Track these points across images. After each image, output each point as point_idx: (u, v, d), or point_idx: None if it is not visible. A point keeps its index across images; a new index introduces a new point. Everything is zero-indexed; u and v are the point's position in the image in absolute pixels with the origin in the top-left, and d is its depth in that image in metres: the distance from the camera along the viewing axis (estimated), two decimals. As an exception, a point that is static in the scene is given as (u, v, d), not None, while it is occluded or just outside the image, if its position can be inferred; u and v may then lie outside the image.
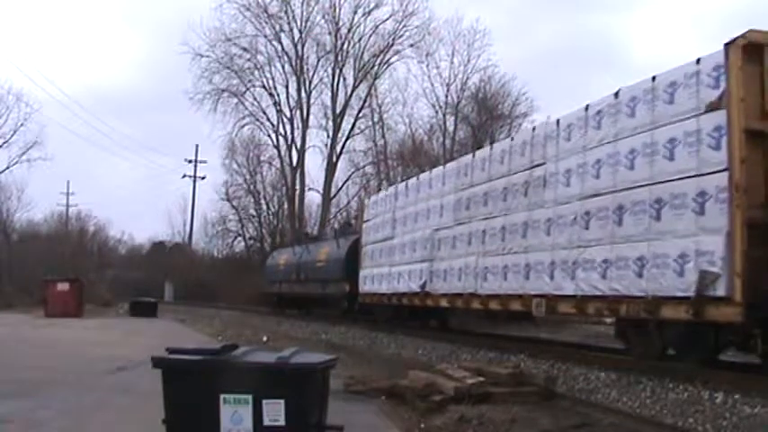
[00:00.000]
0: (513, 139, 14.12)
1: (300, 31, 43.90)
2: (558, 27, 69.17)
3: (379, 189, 42.88)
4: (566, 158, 11.57)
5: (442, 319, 19.06)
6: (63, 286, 31.71)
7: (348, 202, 46.43)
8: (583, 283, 10.69)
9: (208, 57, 44.13)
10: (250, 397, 4.62)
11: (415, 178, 19.05)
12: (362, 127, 44.35)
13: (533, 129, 13.20)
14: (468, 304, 14.63)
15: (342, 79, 44.12)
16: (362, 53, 43.43)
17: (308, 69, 44.65)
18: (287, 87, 45.18)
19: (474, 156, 15.29)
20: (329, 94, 44.54)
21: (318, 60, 44.67)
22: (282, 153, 46.26)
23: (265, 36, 44.13)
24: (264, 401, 4.61)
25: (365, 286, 20.43)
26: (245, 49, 44.21)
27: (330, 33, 43.89)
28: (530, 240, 12.28)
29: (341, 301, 23.24)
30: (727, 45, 8.59)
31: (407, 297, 17.48)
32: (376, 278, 19.58)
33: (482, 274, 13.78)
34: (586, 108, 11.18)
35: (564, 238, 11.32)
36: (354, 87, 43.86)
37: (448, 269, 15.30)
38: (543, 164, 12.19)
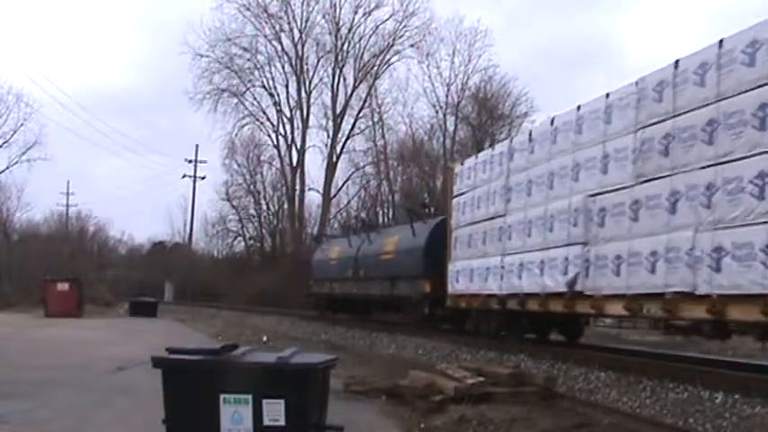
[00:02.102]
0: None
1: (300, 31, 44.01)
2: (558, 27, 69.18)
3: (380, 186, 43.26)
4: None
5: (572, 332, 14.64)
6: (63, 286, 31.70)
7: (348, 202, 46.49)
8: None
9: (208, 57, 44.31)
10: (250, 397, 4.61)
11: (546, 121, 13.33)
12: (362, 127, 44.48)
13: None
14: (677, 312, 9.46)
15: (342, 79, 44.25)
16: (363, 53, 43.56)
17: (308, 69, 44.77)
18: (287, 87, 45.32)
19: (677, 65, 9.66)
20: (329, 94, 44.66)
21: (318, 60, 44.79)
22: (282, 153, 46.35)
23: (265, 36, 44.28)
24: (264, 401, 4.60)
25: (457, 285, 15.69)
26: (245, 49, 44.36)
27: (330, 33, 44.02)
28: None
29: (418, 304, 18.27)
30: None
31: (538, 300, 12.53)
32: (476, 273, 14.74)
33: (710, 259, 8.66)
34: None
35: None
36: (354, 87, 43.97)
37: (625, 255, 10.11)
38: None
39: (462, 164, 17.07)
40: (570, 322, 14.04)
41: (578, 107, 11.93)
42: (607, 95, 11.19)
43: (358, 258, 22.23)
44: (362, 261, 21.87)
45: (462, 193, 16.10)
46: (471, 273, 14.99)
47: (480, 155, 16.47)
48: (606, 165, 10.99)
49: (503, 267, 13.67)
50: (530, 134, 13.81)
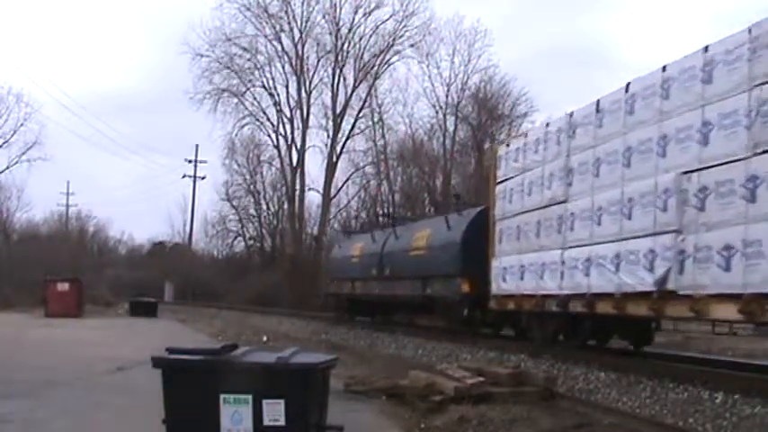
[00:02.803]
0: None
1: (301, 31, 43.95)
2: (557, 27, 69.18)
3: (380, 186, 43.21)
4: None
5: (640, 339, 12.52)
6: (63, 286, 31.71)
7: (348, 202, 46.48)
8: None
9: (208, 57, 44.21)
10: (250, 397, 4.62)
11: (619, 89, 10.77)
12: (362, 127, 44.38)
13: None
14: None
15: (342, 79, 44.17)
16: (363, 53, 43.47)
17: (308, 69, 44.70)
18: (287, 87, 45.25)
19: None
20: (329, 94, 44.59)
21: (318, 60, 44.72)
22: (282, 153, 46.30)
23: (265, 36, 44.20)
24: (264, 401, 4.60)
25: (504, 284, 13.61)
26: (245, 49, 44.28)
27: (330, 33, 43.94)
28: None
29: (456, 306, 16.11)
30: None
31: (611, 302, 10.45)
32: (528, 270, 12.72)
33: None
34: None
35: None
36: (354, 87, 43.90)
37: (738, 244, 8.12)
38: None
39: (508, 145, 14.61)
40: (638, 328, 12.18)
41: (663, 68, 9.80)
42: (705, 49, 9.03)
43: (383, 255, 20.16)
44: (388, 258, 19.82)
45: (508, 179, 13.81)
46: (522, 270, 12.89)
47: (531, 133, 14.17)
48: (707, 134, 8.82)
49: (563, 263, 11.61)
50: (597, 104, 11.27)
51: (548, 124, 13.29)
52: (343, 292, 23.89)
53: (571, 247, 11.54)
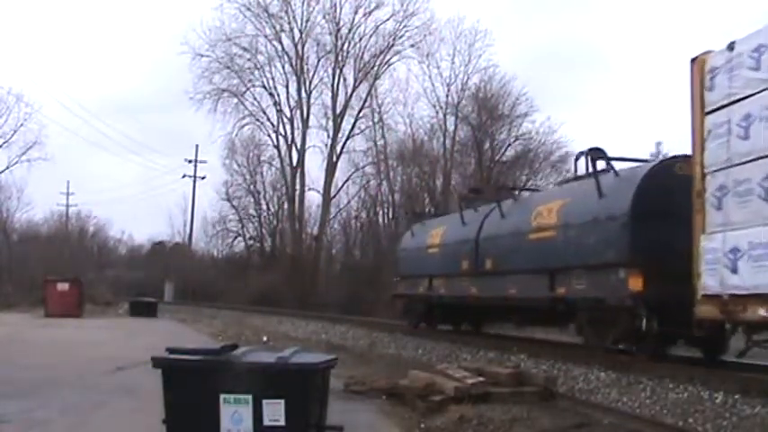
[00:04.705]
0: None
1: (301, 31, 43.98)
2: (557, 27, 69.18)
3: (380, 186, 43.16)
4: None
5: None
6: (63, 286, 31.69)
7: (348, 202, 46.47)
8: None
9: (208, 56, 44.27)
10: (250, 397, 4.61)
11: None
12: (362, 127, 44.39)
13: None
14: None
15: (342, 79, 44.20)
16: (363, 53, 43.49)
17: (308, 69, 44.73)
18: (287, 87, 45.30)
19: None
20: (329, 94, 44.62)
21: (319, 60, 44.76)
22: (282, 153, 46.33)
23: (266, 36, 44.24)
24: (264, 401, 4.60)
25: (731, 276, 8.29)
26: (245, 49, 44.33)
27: (330, 33, 43.97)
28: None
29: (617, 315, 11.06)
30: None
31: None
32: None
33: None
34: None
35: None
36: (354, 87, 43.93)
37: None
38: None
39: (732, 47, 8.57)
40: None
41: None
42: None
43: (480, 242, 15.34)
44: (489, 245, 14.98)
45: (735, 101, 8.46)
46: None
47: None
48: None
49: None
50: None
51: None
52: (416, 293, 18.77)
53: None
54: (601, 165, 12.09)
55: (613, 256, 11.05)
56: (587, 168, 12.65)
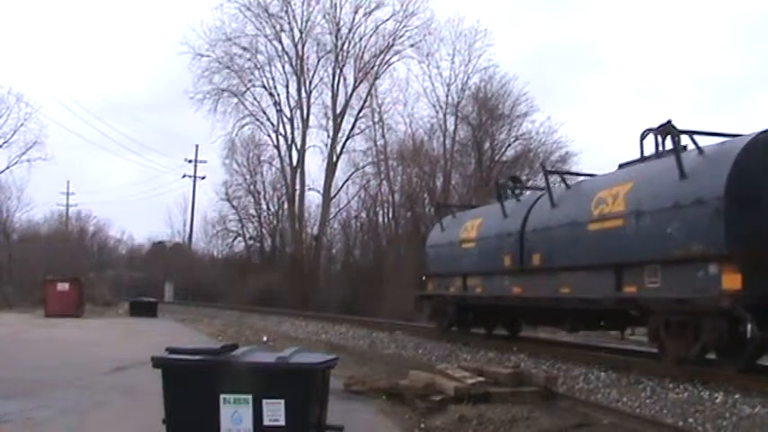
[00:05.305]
0: None
1: (301, 31, 43.96)
2: (557, 27, 69.17)
3: (380, 186, 43.11)
4: None
5: None
6: (63, 286, 31.70)
7: (348, 202, 46.46)
8: None
9: (208, 56, 44.24)
10: (250, 397, 4.62)
11: None
12: (362, 127, 44.36)
13: None
14: None
15: (342, 79, 44.18)
16: (363, 53, 43.47)
17: (308, 69, 44.71)
18: (287, 87, 45.27)
19: None
20: (329, 94, 44.60)
21: (319, 60, 44.74)
22: (282, 153, 46.32)
23: (266, 36, 44.21)
24: (264, 401, 4.61)
25: None
26: (245, 49, 44.31)
27: (330, 33, 43.95)
28: None
29: (710, 318, 9.29)
30: None
31: None
32: None
33: None
34: None
35: None
36: (354, 87, 43.91)
37: None
38: None
39: None
40: None
41: None
42: None
43: (525, 235, 13.68)
44: (537, 238, 13.29)
45: None
46: None
47: None
48: None
49: None
50: None
51: None
52: (447, 294, 17.00)
53: None
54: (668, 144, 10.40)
55: (701, 249, 9.24)
56: (657, 147, 11.10)
